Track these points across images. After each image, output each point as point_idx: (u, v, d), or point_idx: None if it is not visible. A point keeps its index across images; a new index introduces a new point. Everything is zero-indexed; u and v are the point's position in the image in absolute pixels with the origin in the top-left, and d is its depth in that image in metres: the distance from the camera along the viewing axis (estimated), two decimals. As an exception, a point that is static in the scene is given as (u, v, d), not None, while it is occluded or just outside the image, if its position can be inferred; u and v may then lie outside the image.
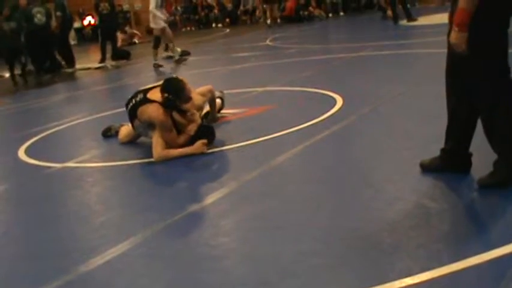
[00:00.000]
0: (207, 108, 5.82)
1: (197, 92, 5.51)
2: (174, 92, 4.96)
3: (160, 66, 12.21)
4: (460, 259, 2.61)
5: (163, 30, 12.22)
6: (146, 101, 5.08)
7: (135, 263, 3.11)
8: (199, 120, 5.16)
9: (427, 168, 3.74)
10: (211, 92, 5.59)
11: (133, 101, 5.21)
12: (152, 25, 12.40)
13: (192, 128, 5.04)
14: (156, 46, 12.32)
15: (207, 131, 5.09)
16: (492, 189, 3.32)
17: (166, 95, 4.95)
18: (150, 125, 5.10)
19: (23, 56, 13.20)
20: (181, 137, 5.05)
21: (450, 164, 3.63)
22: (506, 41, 3.27)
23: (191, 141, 5.00)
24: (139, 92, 5.26)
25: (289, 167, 4.45)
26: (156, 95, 5.08)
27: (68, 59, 14.60)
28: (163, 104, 4.97)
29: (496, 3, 3.17)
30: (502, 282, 2.44)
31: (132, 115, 5.24)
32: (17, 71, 13.30)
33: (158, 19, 12.05)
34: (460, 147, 3.59)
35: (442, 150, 3.67)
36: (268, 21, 20.49)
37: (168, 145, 4.97)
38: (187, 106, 5.10)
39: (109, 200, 4.34)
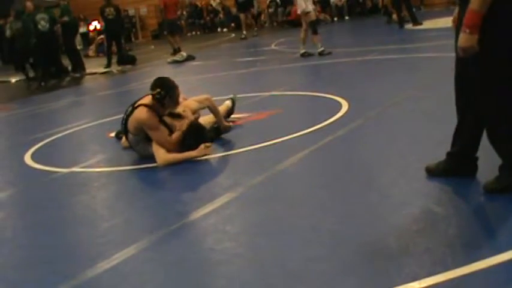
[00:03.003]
0: (210, 118, 5.73)
1: (193, 99, 5.52)
2: (167, 88, 5.02)
3: (322, 54, 11.35)
4: (466, 264, 2.60)
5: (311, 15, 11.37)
6: (133, 110, 5.15)
7: (141, 268, 3.11)
8: (191, 117, 5.12)
9: (432, 172, 3.73)
10: (208, 100, 5.51)
11: (125, 116, 5.25)
12: (303, 11, 11.32)
13: (183, 123, 5.03)
14: (315, 31, 11.30)
15: (197, 129, 5.05)
16: (498, 194, 3.31)
17: (158, 90, 5.00)
18: (144, 137, 5.11)
19: (32, 58, 13.29)
20: (173, 135, 5.03)
21: (456, 168, 3.63)
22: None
23: (183, 138, 4.99)
24: (129, 106, 5.28)
25: (295, 172, 4.45)
26: (142, 101, 5.15)
27: (76, 63, 14.66)
28: (153, 98, 5.03)
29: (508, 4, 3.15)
30: (509, 287, 2.44)
31: (126, 130, 5.25)
32: (29, 74, 13.41)
33: (307, 3, 11.24)
34: (467, 151, 3.58)
35: (448, 154, 3.66)
36: (244, 33, 18.98)
37: (162, 145, 4.96)
38: (177, 107, 5.14)
39: (115, 205, 4.35)
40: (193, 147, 4.97)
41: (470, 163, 3.61)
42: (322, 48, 11.46)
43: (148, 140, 5.10)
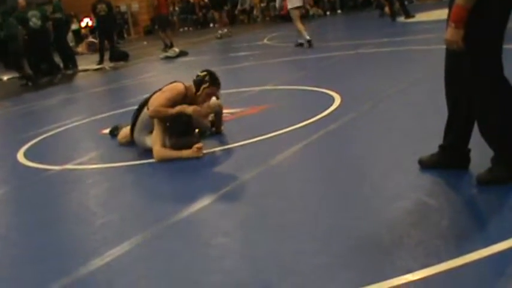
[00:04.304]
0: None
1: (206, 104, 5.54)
2: (212, 78, 5.10)
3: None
4: (460, 255, 2.61)
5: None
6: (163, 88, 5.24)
7: (135, 264, 3.11)
8: (192, 109, 5.05)
9: (425, 164, 3.74)
10: (219, 105, 5.51)
11: (147, 95, 5.33)
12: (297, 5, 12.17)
13: (180, 108, 5.01)
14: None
15: (183, 121, 5.00)
16: (491, 186, 3.32)
17: (205, 73, 5.09)
18: (151, 126, 5.14)
19: (21, 59, 13.18)
20: (164, 108, 5.02)
21: (449, 160, 3.63)
22: (502, 39, 3.26)
23: (167, 119, 5.00)
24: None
25: (288, 166, 4.45)
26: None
27: (69, 60, 14.61)
28: (195, 79, 5.11)
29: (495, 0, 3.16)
30: (502, 278, 2.45)
31: (142, 105, 5.30)
32: (17, 74, 13.33)
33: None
34: (458, 143, 3.59)
35: (441, 146, 3.67)
36: (219, 32, 18.10)
37: (152, 105, 5.03)
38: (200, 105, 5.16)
39: (108, 202, 4.34)
40: (173, 134, 5.02)
41: (463, 155, 3.62)
42: (302, 41, 12.04)
43: (150, 132, 5.14)
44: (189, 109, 4.99)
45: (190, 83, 5.20)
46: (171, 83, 5.29)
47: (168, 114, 4.98)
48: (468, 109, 3.45)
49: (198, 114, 5.04)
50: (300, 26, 12.15)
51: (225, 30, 18.43)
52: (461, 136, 3.56)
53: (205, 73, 5.11)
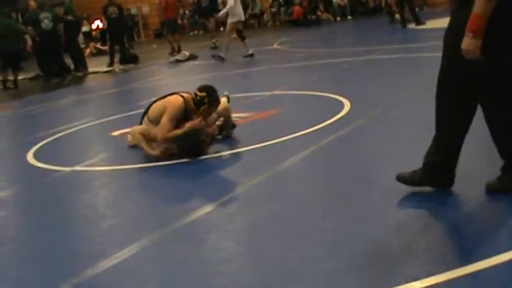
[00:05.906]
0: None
1: None
2: (211, 99, 5.06)
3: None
4: (467, 264, 2.60)
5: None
6: (164, 97, 5.25)
7: (143, 267, 3.12)
8: (200, 125, 5.10)
9: (404, 181, 3.55)
10: (226, 110, 5.54)
11: (150, 104, 5.38)
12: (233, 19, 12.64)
13: (191, 125, 5.03)
14: (244, 37, 12.92)
15: (191, 137, 5.01)
16: (500, 194, 3.31)
17: (204, 94, 5.05)
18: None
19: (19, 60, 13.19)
20: (172, 131, 5.05)
21: (430, 179, 3.47)
22: None
23: (175, 138, 5.01)
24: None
25: (296, 172, 4.45)
26: (180, 93, 5.25)
27: (79, 62, 14.66)
28: (194, 98, 5.10)
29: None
30: (510, 287, 2.44)
31: (144, 113, 5.35)
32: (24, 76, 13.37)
33: (236, 14, 12.53)
34: (448, 162, 3.41)
35: (424, 163, 3.49)
36: (213, 41, 16.42)
37: (158, 131, 5.05)
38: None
39: (116, 204, 4.35)
40: (183, 150, 5.01)
41: (448, 175, 3.46)
42: (250, 52, 12.61)
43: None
44: (194, 124, 5.02)
45: (190, 93, 5.20)
46: (170, 94, 5.27)
47: (176, 135, 5.01)
48: (460, 127, 3.38)
49: (203, 125, 5.07)
50: (228, 39, 12.67)
51: (215, 39, 16.74)
52: (450, 155, 3.41)
53: (204, 94, 5.06)
